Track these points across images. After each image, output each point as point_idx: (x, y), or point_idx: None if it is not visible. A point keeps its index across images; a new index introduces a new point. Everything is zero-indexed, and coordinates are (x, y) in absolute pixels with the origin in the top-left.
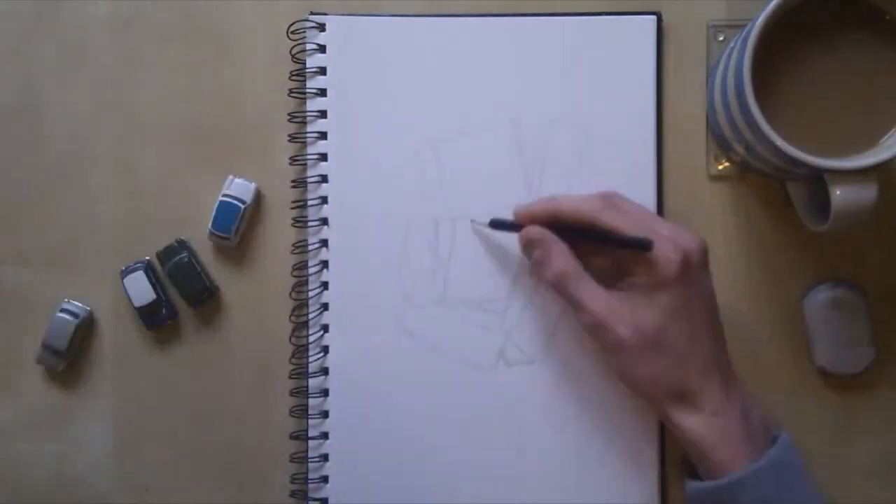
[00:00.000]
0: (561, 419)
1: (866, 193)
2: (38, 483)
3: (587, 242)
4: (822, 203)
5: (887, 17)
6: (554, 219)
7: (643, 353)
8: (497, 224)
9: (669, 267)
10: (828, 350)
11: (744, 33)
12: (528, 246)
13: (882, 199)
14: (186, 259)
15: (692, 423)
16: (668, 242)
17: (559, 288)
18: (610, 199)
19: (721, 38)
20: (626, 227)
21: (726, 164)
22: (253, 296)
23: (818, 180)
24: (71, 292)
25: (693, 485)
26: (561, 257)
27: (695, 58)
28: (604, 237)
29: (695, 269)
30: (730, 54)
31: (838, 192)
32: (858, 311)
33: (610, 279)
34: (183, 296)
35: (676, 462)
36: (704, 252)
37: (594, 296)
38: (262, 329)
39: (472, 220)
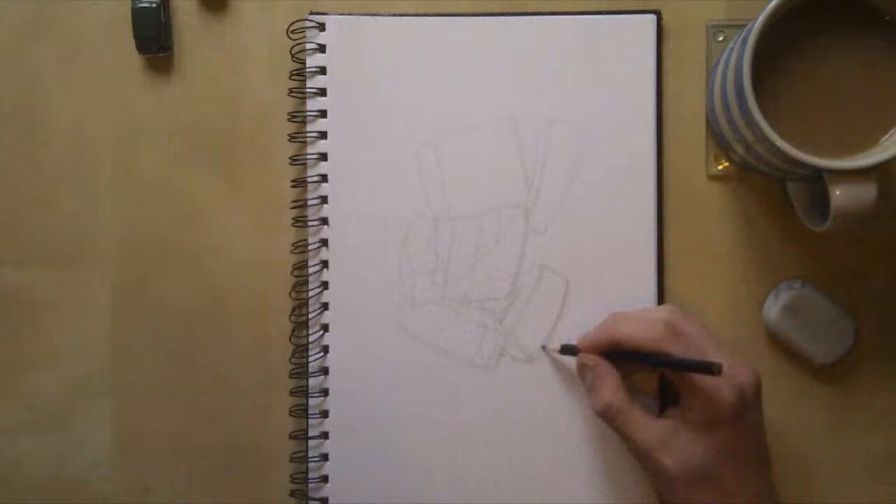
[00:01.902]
0: (560, 418)
1: (866, 193)
2: (38, 483)
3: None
4: (821, 203)
5: (887, 18)
6: (614, 345)
7: (689, 486)
8: (567, 350)
9: (725, 405)
10: (797, 342)
11: (743, 33)
12: (581, 371)
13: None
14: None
15: None
16: (724, 378)
17: (607, 419)
18: (671, 326)
19: (721, 38)
20: (682, 355)
21: (726, 164)
22: (251, 295)
23: (818, 180)
24: (71, 292)
25: None
26: (609, 389)
27: (695, 58)
28: (668, 364)
29: (749, 404)
30: (730, 54)
31: (838, 192)
32: (829, 305)
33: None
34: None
35: None
36: (758, 386)
37: (642, 427)
38: (262, 328)
39: (543, 347)
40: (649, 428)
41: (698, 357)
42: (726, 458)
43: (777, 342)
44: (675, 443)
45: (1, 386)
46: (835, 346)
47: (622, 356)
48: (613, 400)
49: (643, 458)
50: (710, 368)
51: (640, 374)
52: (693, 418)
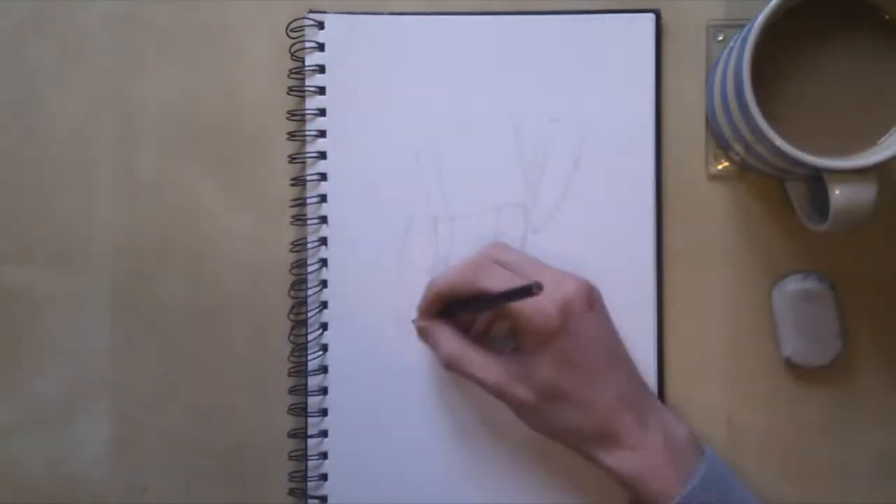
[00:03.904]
0: None
1: (865, 193)
2: (38, 482)
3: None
4: (821, 203)
5: (887, 17)
6: (440, 300)
7: (548, 407)
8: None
9: (548, 321)
10: (793, 341)
11: (743, 33)
12: (421, 338)
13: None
14: None
15: (616, 461)
16: (546, 295)
17: (451, 368)
18: (481, 262)
19: (720, 38)
20: (504, 285)
21: (726, 163)
22: (250, 294)
23: (817, 180)
24: (71, 292)
25: None
26: (444, 342)
27: (694, 57)
28: (492, 301)
29: (577, 314)
30: (729, 54)
31: (837, 192)
32: (827, 304)
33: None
34: None
35: None
36: (588, 293)
37: (486, 367)
38: (261, 327)
39: (413, 321)
40: (493, 366)
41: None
42: (568, 370)
43: (777, 342)
44: (521, 370)
45: (1, 386)
46: (814, 355)
47: (455, 309)
48: (451, 349)
49: (498, 395)
50: (529, 290)
51: (495, 322)
52: (527, 342)
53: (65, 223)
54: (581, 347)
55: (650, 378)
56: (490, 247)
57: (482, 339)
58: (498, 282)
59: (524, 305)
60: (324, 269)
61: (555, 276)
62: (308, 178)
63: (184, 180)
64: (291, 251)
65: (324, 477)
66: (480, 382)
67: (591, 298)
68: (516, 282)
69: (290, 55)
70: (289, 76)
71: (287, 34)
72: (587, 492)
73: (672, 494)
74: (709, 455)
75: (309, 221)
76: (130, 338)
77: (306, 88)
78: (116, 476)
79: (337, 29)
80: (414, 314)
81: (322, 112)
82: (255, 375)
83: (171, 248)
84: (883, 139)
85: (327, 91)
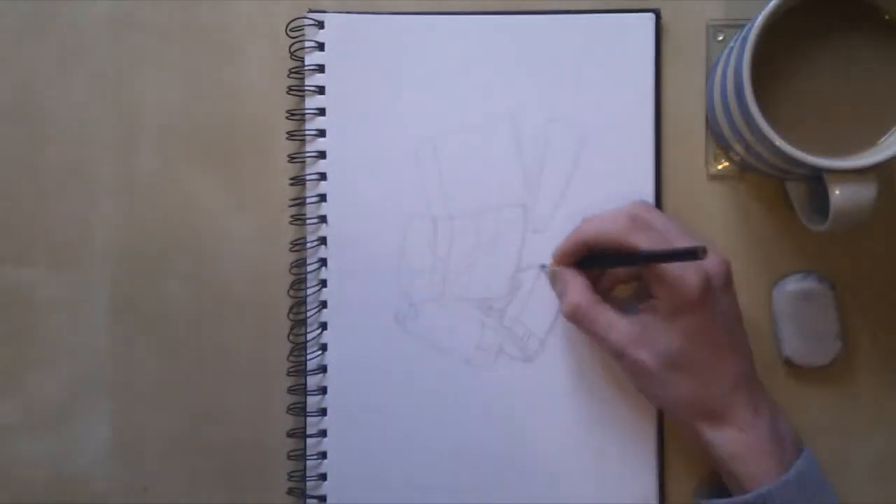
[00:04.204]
0: (559, 417)
1: (865, 193)
2: (38, 482)
3: (628, 265)
4: (821, 203)
5: (887, 17)
6: (584, 247)
7: (667, 376)
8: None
9: (690, 291)
10: (794, 341)
11: (743, 33)
12: (552, 282)
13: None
14: None
15: (721, 438)
16: (690, 264)
17: (575, 320)
18: (636, 218)
19: (720, 38)
20: (654, 245)
21: (726, 163)
22: (250, 293)
23: (817, 180)
24: (71, 292)
25: (719, 502)
26: (575, 291)
27: (694, 57)
28: (647, 257)
29: (716, 290)
30: (729, 54)
31: (837, 192)
32: (827, 304)
33: (635, 303)
34: None
35: (674, 459)
36: (727, 272)
37: (612, 325)
38: (261, 326)
39: (542, 266)
40: (619, 325)
41: (666, 247)
42: (698, 343)
43: (777, 342)
44: (647, 334)
45: (1, 386)
46: (814, 355)
47: (597, 261)
48: (580, 300)
49: (618, 356)
50: (694, 252)
51: (619, 285)
52: (662, 307)
53: (65, 223)
54: (713, 323)
55: None
56: (638, 204)
57: (606, 298)
58: (648, 240)
59: (667, 270)
60: (323, 268)
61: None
62: (307, 177)
63: (183, 180)
64: (291, 251)
65: (323, 476)
66: (603, 339)
67: (729, 278)
68: (664, 243)
69: (289, 55)
70: (288, 75)
71: (287, 33)
72: (583, 492)
73: (765, 482)
74: (807, 455)
75: (308, 221)
76: (130, 338)
77: (306, 88)
78: (116, 476)
79: (337, 28)
80: (506, 212)
81: (321, 111)
82: (255, 375)
83: (171, 247)
84: (883, 139)
85: (327, 90)
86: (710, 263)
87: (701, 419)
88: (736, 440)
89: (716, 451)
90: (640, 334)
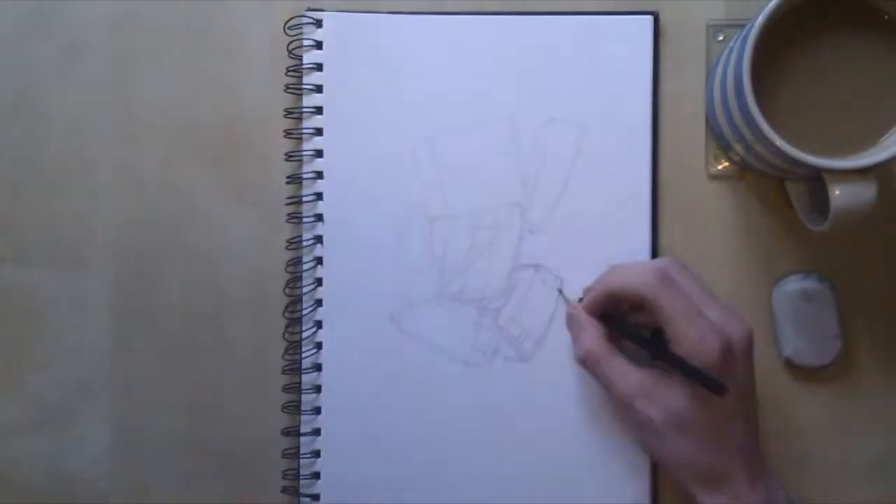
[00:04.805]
0: (554, 417)
1: (865, 193)
2: (37, 482)
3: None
4: (821, 203)
5: (887, 17)
6: (610, 298)
7: (670, 434)
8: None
9: (710, 356)
10: (793, 341)
11: (743, 33)
12: (568, 323)
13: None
14: None
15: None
16: (713, 329)
17: (587, 365)
18: (665, 276)
19: (720, 38)
20: (678, 308)
21: (726, 163)
22: (247, 292)
23: (817, 180)
24: (71, 292)
25: None
26: (589, 337)
27: (694, 57)
28: (665, 356)
29: (736, 358)
30: (729, 54)
31: (837, 192)
32: (827, 304)
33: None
34: None
35: None
36: (749, 341)
37: (623, 374)
38: (258, 325)
39: (560, 290)
40: (631, 376)
41: (690, 311)
42: (708, 407)
43: (777, 342)
44: (657, 390)
45: (1, 385)
46: (814, 355)
47: (618, 327)
48: (594, 347)
49: (625, 407)
50: (714, 386)
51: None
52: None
53: (65, 223)
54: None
55: None
56: (669, 261)
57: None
58: (673, 300)
59: (689, 332)
60: (319, 267)
61: (725, 314)
62: (304, 175)
63: (182, 179)
64: (287, 249)
65: (316, 475)
66: (612, 387)
67: (750, 346)
68: (689, 306)
69: (287, 53)
70: (286, 74)
71: (285, 32)
72: (581, 492)
73: None
74: None
75: (305, 219)
76: (130, 338)
77: (304, 86)
78: (116, 476)
79: (335, 27)
80: (506, 212)
81: (319, 110)
82: (253, 374)
83: (170, 246)
84: (883, 139)
85: (324, 89)
86: (736, 329)
87: (698, 482)
88: None
89: None
90: (651, 388)
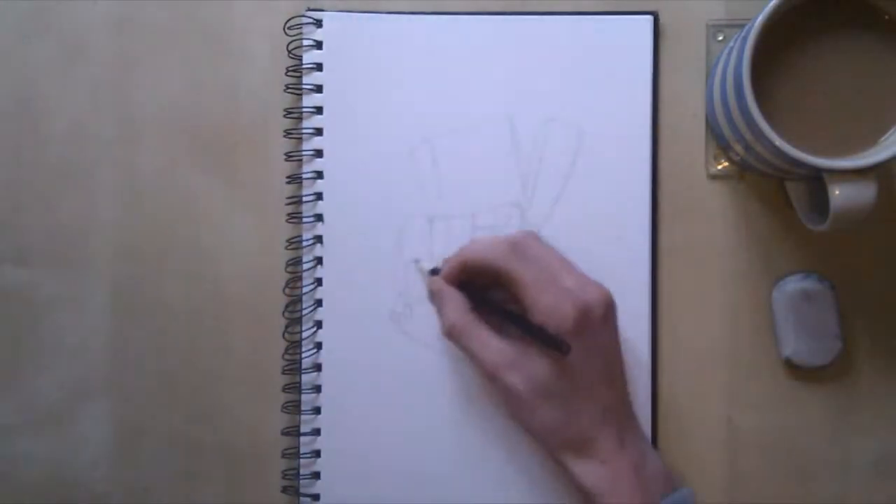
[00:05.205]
0: None
1: (865, 193)
2: (37, 482)
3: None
4: (821, 203)
5: (887, 17)
6: (465, 269)
7: (535, 403)
8: (433, 272)
9: (564, 321)
10: (793, 341)
11: (743, 33)
12: (431, 297)
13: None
14: None
15: (582, 470)
16: (568, 295)
17: (452, 338)
18: (517, 246)
19: (720, 38)
20: (530, 278)
21: (725, 163)
22: (247, 292)
23: (817, 180)
24: (71, 292)
25: None
26: (453, 310)
27: (694, 57)
28: (513, 320)
29: (594, 323)
30: (729, 54)
31: (837, 192)
32: (827, 304)
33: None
34: None
35: (665, 459)
36: (608, 306)
37: (486, 345)
38: (258, 325)
39: (416, 260)
40: (494, 346)
41: (544, 279)
42: (568, 373)
43: (777, 342)
44: (520, 360)
45: (1, 385)
46: (814, 355)
47: (478, 296)
48: (457, 320)
49: (490, 377)
50: (559, 345)
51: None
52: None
53: (65, 223)
54: (585, 357)
55: (644, 378)
56: (523, 233)
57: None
58: (527, 270)
59: (542, 299)
60: (319, 266)
61: (580, 281)
62: (304, 175)
63: (182, 179)
64: (287, 249)
65: (316, 475)
66: (477, 359)
67: (609, 311)
68: (544, 274)
69: (287, 53)
70: (286, 74)
71: (285, 32)
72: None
73: None
74: (685, 494)
75: (304, 219)
76: (130, 338)
77: (303, 86)
78: (116, 476)
79: (335, 27)
80: (505, 211)
81: (319, 110)
82: (253, 374)
83: (170, 247)
84: (883, 139)
85: (324, 89)
86: (591, 295)
87: (565, 449)
88: (598, 472)
89: (580, 483)
90: (514, 358)
